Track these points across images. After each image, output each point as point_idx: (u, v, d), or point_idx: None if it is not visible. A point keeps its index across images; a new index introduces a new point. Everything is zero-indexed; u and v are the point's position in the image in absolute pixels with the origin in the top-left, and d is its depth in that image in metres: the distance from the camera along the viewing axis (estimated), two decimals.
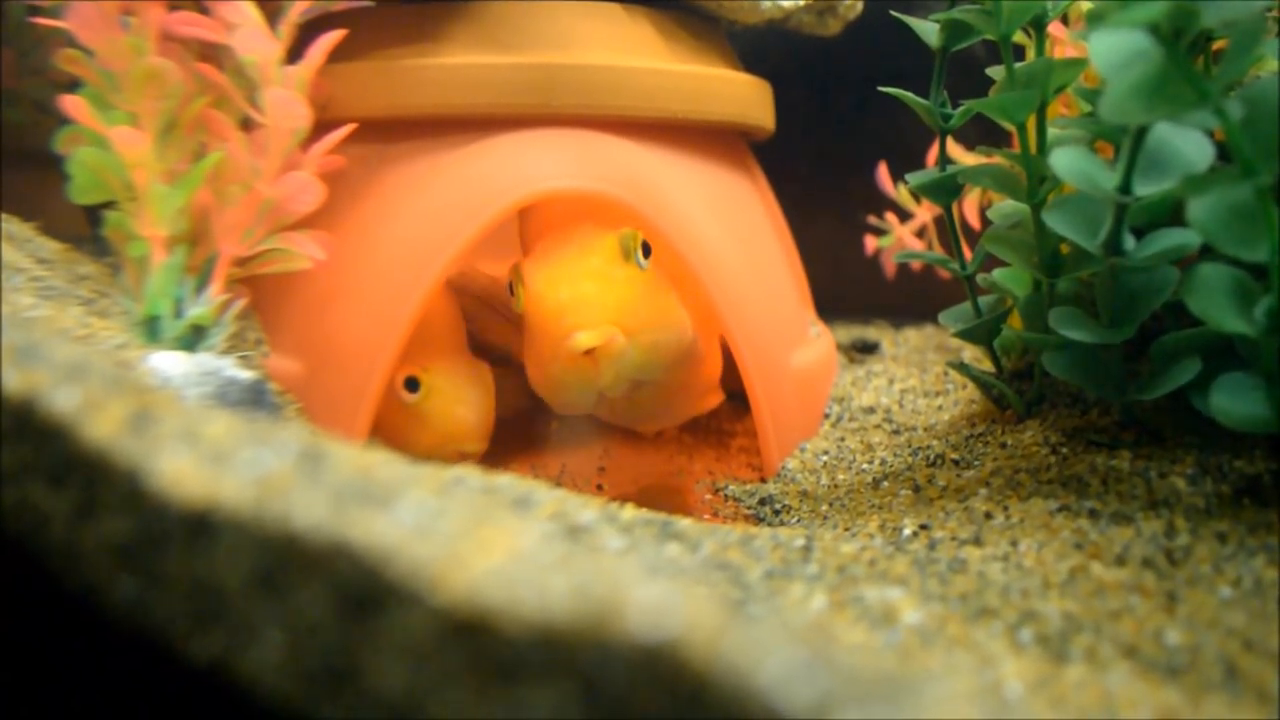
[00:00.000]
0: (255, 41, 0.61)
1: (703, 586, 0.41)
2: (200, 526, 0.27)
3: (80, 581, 0.30)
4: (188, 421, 0.31)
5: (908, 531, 0.52)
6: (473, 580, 0.23)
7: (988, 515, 0.52)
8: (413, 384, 0.64)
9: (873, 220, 0.99)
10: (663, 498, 0.67)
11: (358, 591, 0.24)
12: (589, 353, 0.58)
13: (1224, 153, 0.50)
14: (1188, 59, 0.44)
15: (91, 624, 0.30)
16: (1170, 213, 0.55)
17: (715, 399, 0.72)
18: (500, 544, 0.25)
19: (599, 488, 0.67)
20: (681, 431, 0.78)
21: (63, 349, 0.35)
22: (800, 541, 0.48)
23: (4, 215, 0.67)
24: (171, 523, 0.27)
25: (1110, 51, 0.45)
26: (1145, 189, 0.50)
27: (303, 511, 0.26)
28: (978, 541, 0.49)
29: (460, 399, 0.64)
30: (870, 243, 0.99)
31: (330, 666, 0.24)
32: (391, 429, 0.64)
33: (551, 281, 0.60)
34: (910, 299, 1.05)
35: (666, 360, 0.63)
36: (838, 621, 0.39)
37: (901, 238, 0.96)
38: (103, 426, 0.30)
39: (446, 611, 0.23)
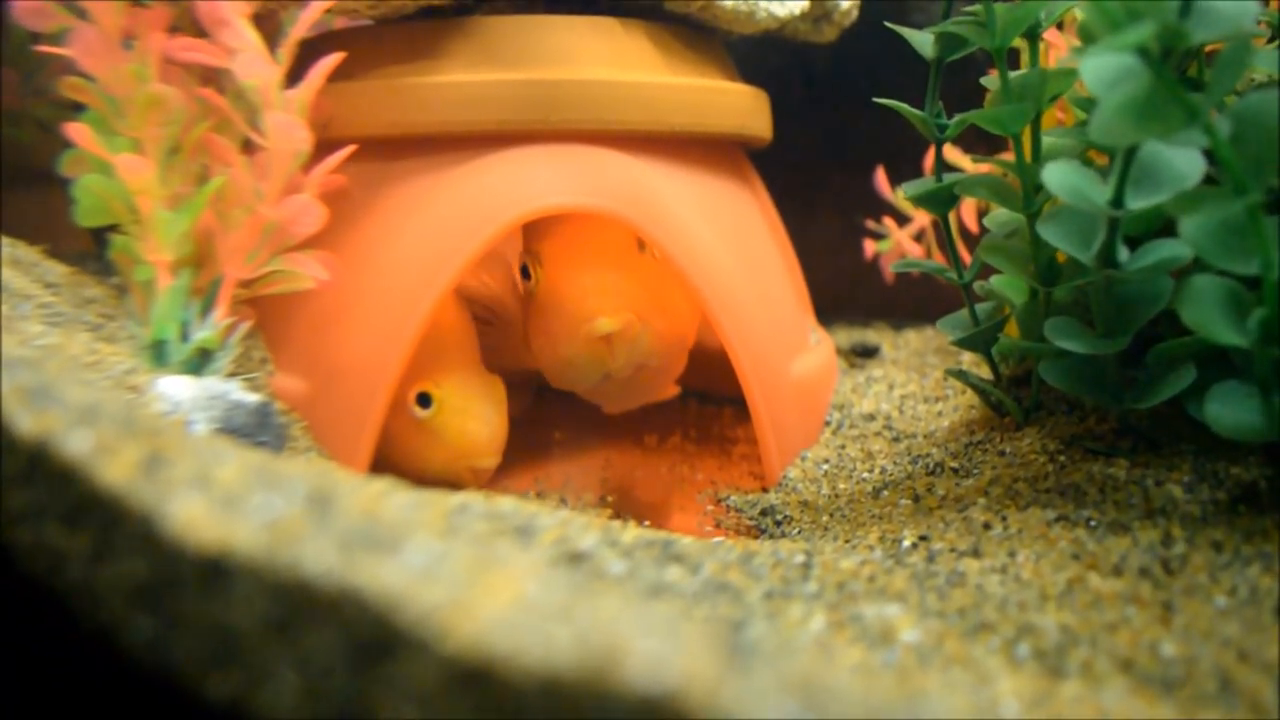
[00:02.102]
0: (255, 66, 0.62)
1: (704, 605, 0.42)
2: (214, 572, 0.28)
3: (98, 621, 0.31)
4: (200, 464, 0.31)
5: (907, 543, 0.52)
6: (479, 629, 0.24)
7: (986, 525, 0.53)
8: (425, 399, 0.64)
9: (870, 224, 0.99)
10: (660, 510, 0.67)
11: (368, 638, 0.25)
12: (605, 336, 0.61)
13: (1215, 160, 0.50)
14: (1176, 79, 0.44)
15: (110, 662, 0.31)
16: (1165, 221, 0.55)
17: (673, 390, 0.76)
18: (505, 589, 0.26)
19: (603, 500, 0.68)
20: (684, 440, 0.78)
21: (75, 390, 0.35)
22: (800, 558, 0.48)
23: (11, 240, 0.68)
24: (186, 567, 0.28)
25: (1100, 70, 0.46)
26: (1138, 203, 0.50)
27: (313, 558, 0.26)
28: (976, 553, 0.50)
29: (473, 414, 0.64)
30: (869, 247, 0.99)
31: (344, 710, 0.25)
32: (405, 445, 0.64)
33: (573, 266, 0.63)
34: (911, 299, 1.06)
35: (670, 345, 0.66)
36: (836, 641, 0.40)
37: (900, 242, 0.97)
38: (116, 471, 0.31)
39: (454, 660, 0.24)
